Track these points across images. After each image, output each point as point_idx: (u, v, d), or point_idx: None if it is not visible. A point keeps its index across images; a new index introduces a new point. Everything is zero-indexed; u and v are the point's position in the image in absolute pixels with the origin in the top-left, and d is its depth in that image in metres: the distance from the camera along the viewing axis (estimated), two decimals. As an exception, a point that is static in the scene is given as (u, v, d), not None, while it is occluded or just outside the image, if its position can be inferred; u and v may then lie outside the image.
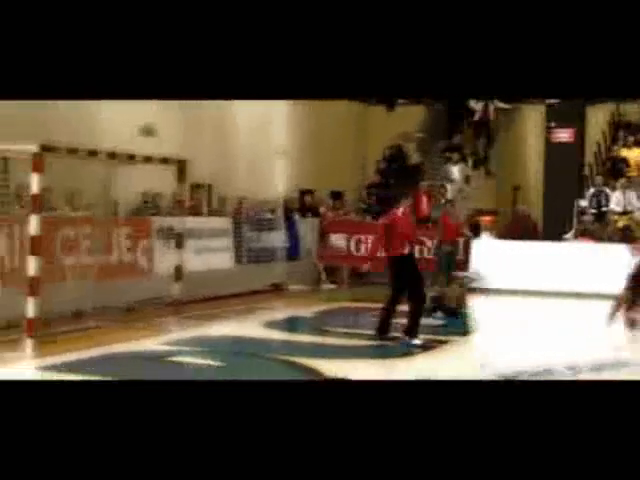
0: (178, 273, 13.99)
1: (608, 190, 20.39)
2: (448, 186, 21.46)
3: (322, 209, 20.77)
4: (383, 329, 11.63)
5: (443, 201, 21.05)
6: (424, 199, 20.81)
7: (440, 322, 13.70)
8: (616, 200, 20.08)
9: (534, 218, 20.90)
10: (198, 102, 15.96)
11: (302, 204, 20.66)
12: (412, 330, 11.43)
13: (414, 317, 11.48)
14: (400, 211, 11.76)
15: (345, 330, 12.85)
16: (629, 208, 19.85)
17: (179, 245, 14.27)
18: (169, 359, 10.23)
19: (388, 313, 11.63)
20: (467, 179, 22.40)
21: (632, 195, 19.99)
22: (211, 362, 10.16)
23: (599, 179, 20.88)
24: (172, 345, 11.15)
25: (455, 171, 22.38)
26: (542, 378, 9.46)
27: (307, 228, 19.77)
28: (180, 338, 11.78)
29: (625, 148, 22.10)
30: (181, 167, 14.03)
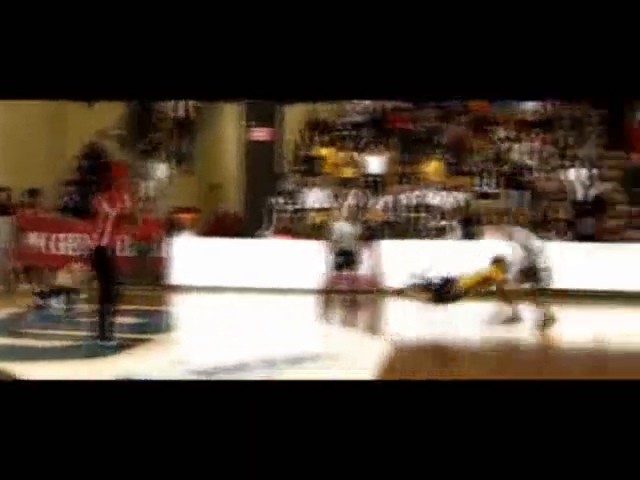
0: None
1: (305, 188, 21.04)
2: (150, 184, 21.41)
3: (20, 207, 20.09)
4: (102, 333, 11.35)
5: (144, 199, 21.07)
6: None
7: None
8: (313, 197, 20.75)
9: (239, 216, 21.25)
10: None
11: (0, 202, 19.85)
12: (102, 331, 11.26)
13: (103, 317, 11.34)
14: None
15: (43, 332, 12.47)
16: (325, 205, 20.55)
17: None
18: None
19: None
20: (169, 177, 22.42)
21: (327, 192, 20.71)
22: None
23: (296, 177, 21.52)
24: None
25: (156, 169, 22.34)
26: (238, 374, 9.58)
27: (6, 227, 19.02)
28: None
29: (320, 147, 22.90)
30: None
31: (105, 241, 11.34)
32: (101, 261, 11.36)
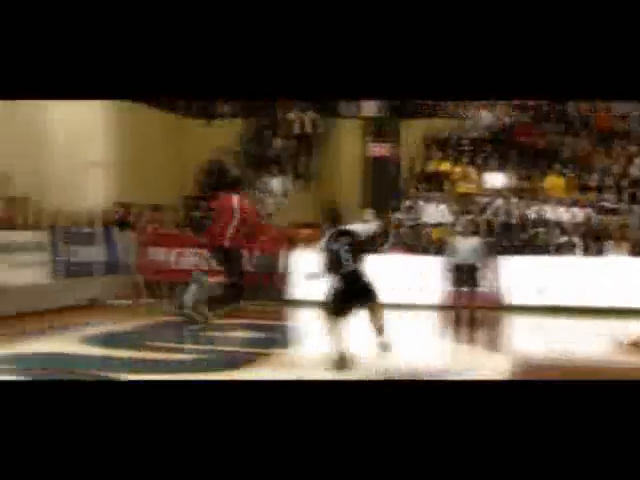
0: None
1: (422, 203, 20.95)
2: (270, 200, 21.62)
3: (142, 222, 20.53)
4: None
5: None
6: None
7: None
8: (430, 213, 20.65)
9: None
10: (11, 114, 15.56)
11: (121, 217, 20.35)
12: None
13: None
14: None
15: (166, 345, 12.68)
16: (442, 220, 20.43)
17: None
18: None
19: None
20: (285, 192, 22.58)
21: (444, 208, 20.59)
22: (23, 378, 9.80)
23: (414, 192, 21.45)
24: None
25: (274, 184, 22.52)
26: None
27: (126, 242, 19.47)
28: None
29: (439, 162, 22.79)
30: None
31: (227, 242, 11.76)
32: (226, 257, 11.79)
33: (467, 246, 15.61)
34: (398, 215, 20.74)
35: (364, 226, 11.77)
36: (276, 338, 14.77)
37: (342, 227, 10.73)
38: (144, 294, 19.14)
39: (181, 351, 12.08)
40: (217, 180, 22.80)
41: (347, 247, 10.44)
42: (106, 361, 11.51)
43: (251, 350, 12.57)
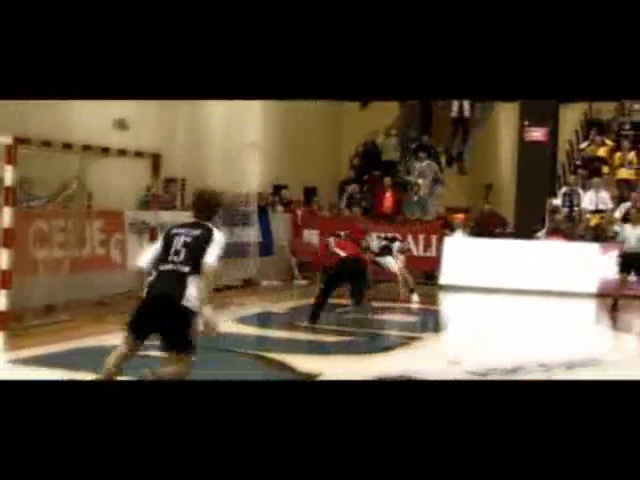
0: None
1: (580, 189, 20.49)
2: (420, 182, 21.52)
3: (295, 205, 20.77)
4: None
5: (416, 198, 21.20)
6: (387, 195, 21.00)
7: None
8: (588, 199, 20.18)
9: (501, 216, 21.05)
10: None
11: (275, 199, 20.61)
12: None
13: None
14: None
15: (321, 326, 12.79)
16: (601, 207, 19.95)
17: (153, 239, 14.16)
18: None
19: None
20: (437, 176, 22.39)
21: (604, 194, 20.08)
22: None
23: (572, 178, 20.99)
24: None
25: (424, 168, 22.36)
26: (513, 375, 9.47)
27: (280, 223, 19.72)
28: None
29: (597, 147, 22.23)
30: (155, 161, 13.95)
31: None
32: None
33: (637, 234, 15.27)
34: (554, 201, 20.32)
35: None
36: (426, 322, 14.75)
37: None
38: (298, 276, 19.35)
39: (335, 333, 12.16)
40: (372, 163, 22.84)
41: None
42: (262, 340, 11.73)
43: (405, 334, 12.59)
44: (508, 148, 23.35)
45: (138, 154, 13.85)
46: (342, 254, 12.83)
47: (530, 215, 20.27)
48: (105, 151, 12.88)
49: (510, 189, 22.16)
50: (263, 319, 14.30)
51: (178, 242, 6.85)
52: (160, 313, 6.79)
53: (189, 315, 6.73)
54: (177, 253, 6.81)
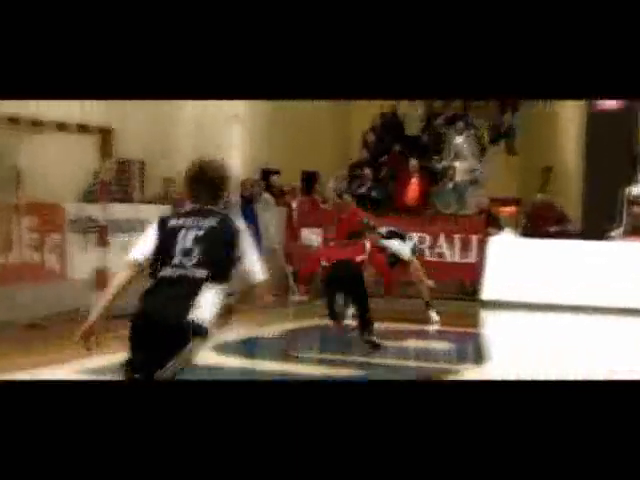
0: (100, 278, 13.80)
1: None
2: (457, 165, 21.45)
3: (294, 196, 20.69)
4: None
5: (451, 185, 21.08)
6: (413, 181, 20.89)
7: None
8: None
9: (560, 209, 20.78)
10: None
11: (265, 188, 20.45)
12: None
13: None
14: None
15: (319, 356, 12.71)
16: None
17: (101, 241, 14.12)
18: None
19: None
20: (475, 154, 22.31)
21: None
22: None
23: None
24: (89, 374, 10.77)
25: (460, 143, 22.27)
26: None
27: (272, 220, 19.60)
28: (99, 366, 11.11)
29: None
30: (105, 138, 13.88)
31: None
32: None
33: None
34: (635, 190, 20.20)
35: None
36: (465, 350, 14.65)
37: None
38: (295, 289, 19.25)
39: (342, 365, 12.08)
40: (392, 139, 22.74)
41: None
42: (245, 374, 11.64)
43: (430, 366, 12.49)
44: (573, 120, 23.28)
45: (82, 128, 13.78)
46: (325, 263, 13.19)
47: (602, 208, 20.19)
48: (38, 124, 12.82)
49: (575, 174, 22.13)
50: (250, 347, 14.20)
51: (186, 238, 6.36)
52: (163, 336, 6.15)
53: (194, 333, 6.22)
54: (187, 253, 6.31)
